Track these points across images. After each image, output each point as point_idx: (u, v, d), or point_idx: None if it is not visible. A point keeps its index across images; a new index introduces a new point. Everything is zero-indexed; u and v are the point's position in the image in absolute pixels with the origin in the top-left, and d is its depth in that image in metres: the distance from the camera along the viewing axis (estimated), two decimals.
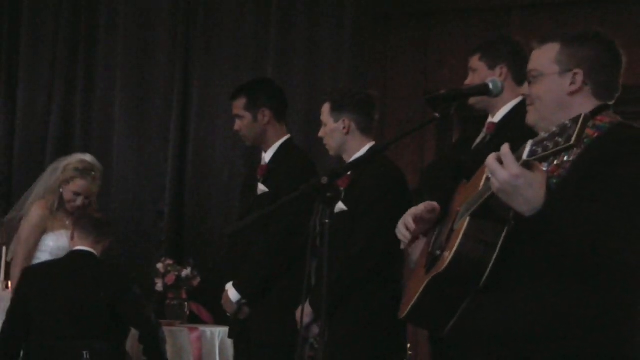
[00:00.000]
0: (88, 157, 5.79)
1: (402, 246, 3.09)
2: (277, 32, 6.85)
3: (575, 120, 2.33)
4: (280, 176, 4.75)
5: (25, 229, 5.62)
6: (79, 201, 5.65)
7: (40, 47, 7.60)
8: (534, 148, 2.41)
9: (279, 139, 4.91)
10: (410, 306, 2.92)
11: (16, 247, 5.66)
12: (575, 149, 2.39)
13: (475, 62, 4.03)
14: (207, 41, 7.13)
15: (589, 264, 2.60)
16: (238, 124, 4.96)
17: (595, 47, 2.84)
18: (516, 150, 2.50)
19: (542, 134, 2.41)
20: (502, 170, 2.45)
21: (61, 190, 5.65)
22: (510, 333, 2.67)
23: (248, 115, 4.91)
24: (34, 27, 7.62)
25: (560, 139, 2.33)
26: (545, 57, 2.83)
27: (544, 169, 2.58)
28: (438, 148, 6.79)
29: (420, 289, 2.87)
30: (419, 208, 3.02)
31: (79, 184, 5.65)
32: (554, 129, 2.37)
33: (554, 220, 2.49)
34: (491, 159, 2.49)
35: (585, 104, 2.76)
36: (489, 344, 2.73)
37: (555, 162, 2.60)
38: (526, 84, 2.88)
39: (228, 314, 4.83)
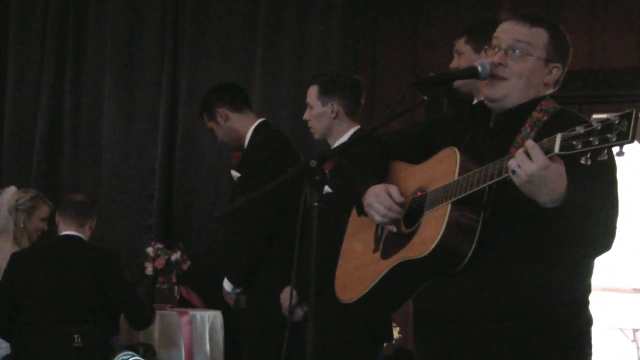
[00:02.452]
0: (16, 188, 5.87)
1: (380, 220, 2.98)
2: (266, 17, 6.84)
3: (625, 116, 2.31)
4: (249, 160, 4.83)
5: None
6: (45, 225, 5.82)
7: (29, 30, 7.58)
8: (571, 142, 2.38)
9: (248, 127, 5.02)
10: (365, 291, 2.91)
11: None
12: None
13: (462, 45, 4.02)
14: (196, 25, 7.12)
15: (575, 247, 2.68)
16: (217, 130, 5.14)
17: (568, 44, 2.94)
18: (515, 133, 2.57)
19: (577, 129, 2.38)
20: (529, 162, 2.45)
21: (22, 225, 5.69)
22: (479, 313, 2.75)
23: (213, 123, 5.12)
24: (23, 9, 7.60)
25: (610, 135, 2.31)
26: (536, 38, 2.87)
27: None
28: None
29: (381, 274, 2.85)
30: (391, 188, 2.97)
31: (45, 210, 5.81)
32: (595, 124, 2.35)
33: (573, 210, 2.53)
34: (520, 152, 2.48)
35: (547, 92, 2.90)
36: (460, 324, 2.79)
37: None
38: (484, 52, 2.95)
39: (231, 306, 4.88)
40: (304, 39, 6.76)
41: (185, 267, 6.37)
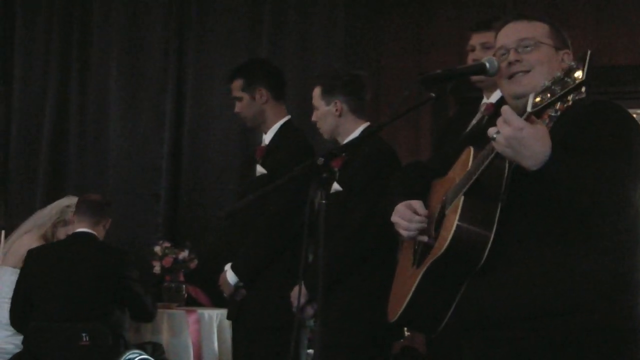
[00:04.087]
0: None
1: (407, 235, 2.99)
2: (271, 13, 6.85)
3: (580, 58, 2.34)
4: (278, 158, 4.74)
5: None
6: None
7: (35, 30, 7.58)
8: (538, 98, 2.40)
9: (278, 119, 4.90)
10: (403, 306, 2.89)
11: None
12: (583, 89, 2.38)
13: (475, 40, 4.01)
14: (201, 23, 7.13)
15: (594, 226, 2.62)
16: (238, 106, 4.94)
17: (565, 36, 2.94)
18: None
19: (544, 82, 2.40)
20: (505, 126, 2.45)
21: (54, 229, 5.72)
22: (514, 313, 2.65)
23: (246, 96, 4.90)
24: (28, 10, 7.61)
25: (568, 79, 2.33)
26: (539, 30, 2.88)
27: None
28: (433, 128, 6.79)
29: (415, 284, 2.84)
30: (414, 202, 2.98)
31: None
32: (557, 73, 2.37)
33: (561, 172, 2.50)
34: (498, 120, 2.48)
35: None
36: (492, 325, 2.71)
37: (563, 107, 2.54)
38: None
39: (225, 295, 4.84)
40: (308, 39, 6.77)
41: (192, 265, 6.37)
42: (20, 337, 5.40)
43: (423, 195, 3.05)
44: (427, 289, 2.83)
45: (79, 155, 7.37)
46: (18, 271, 5.51)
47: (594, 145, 2.60)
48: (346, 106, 4.43)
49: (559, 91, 2.35)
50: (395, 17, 7.18)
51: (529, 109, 2.43)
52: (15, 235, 5.83)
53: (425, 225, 2.93)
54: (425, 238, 2.92)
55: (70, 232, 5.63)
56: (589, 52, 2.33)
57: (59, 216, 5.72)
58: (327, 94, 4.46)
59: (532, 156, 2.47)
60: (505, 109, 2.46)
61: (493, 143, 2.50)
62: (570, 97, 2.36)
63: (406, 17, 7.16)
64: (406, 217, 2.93)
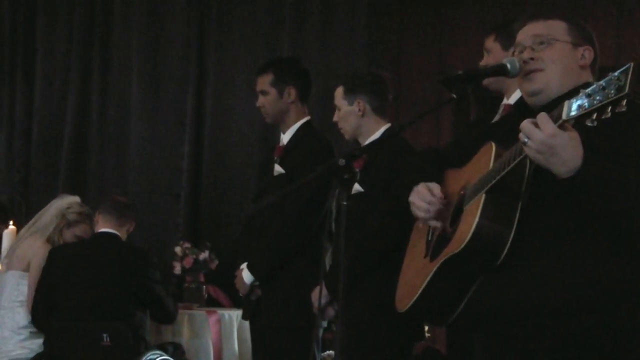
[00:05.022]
0: (79, 200, 5.87)
1: (424, 216, 2.96)
2: (292, 13, 6.85)
3: (624, 71, 2.30)
4: (297, 158, 4.72)
5: (35, 270, 5.57)
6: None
7: (56, 33, 7.62)
8: (577, 104, 2.37)
9: (299, 119, 4.88)
10: (415, 297, 2.89)
11: (29, 281, 5.63)
12: (624, 101, 2.32)
13: (490, 42, 4.00)
14: (222, 23, 7.14)
15: (618, 229, 2.60)
16: (261, 100, 4.90)
17: (589, 29, 2.90)
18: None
19: (584, 90, 2.36)
20: (537, 131, 2.43)
21: (60, 231, 5.73)
22: (531, 310, 2.64)
23: (273, 92, 4.85)
24: (50, 12, 7.64)
25: (610, 91, 2.30)
26: (555, 27, 2.86)
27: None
28: (454, 129, 6.78)
29: (429, 276, 2.83)
30: (432, 184, 2.96)
31: (85, 230, 5.76)
32: (601, 83, 2.33)
33: (591, 179, 2.48)
34: (526, 123, 2.47)
35: (589, 78, 2.83)
36: (504, 322, 2.70)
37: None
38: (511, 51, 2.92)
39: (240, 294, 4.84)
40: (329, 37, 6.76)
41: (213, 266, 6.38)
42: (35, 341, 5.42)
43: (438, 183, 3.03)
44: (440, 282, 2.82)
45: (100, 155, 7.40)
46: (25, 275, 5.52)
47: (625, 152, 2.58)
48: (369, 106, 4.42)
49: (597, 103, 2.31)
50: (417, 16, 7.17)
51: (564, 116, 2.40)
52: (18, 239, 5.80)
53: (443, 208, 2.91)
54: (438, 224, 2.90)
55: (78, 233, 5.66)
56: (632, 65, 2.29)
57: (60, 219, 5.71)
58: (350, 93, 4.44)
59: (563, 163, 2.46)
60: (540, 114, 2.45)
61: (524, 147, 2.49)
62: (609, 110, 2.32)
63: (428, 15, 7.16)
64: (425, 197, 2.91)
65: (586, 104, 2.34)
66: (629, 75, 2.28)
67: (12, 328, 5.49)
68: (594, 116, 2.34)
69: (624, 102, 2.29)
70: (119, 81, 7.40)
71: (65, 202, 5.77)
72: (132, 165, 7.23)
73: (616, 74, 2.31)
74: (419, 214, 2.94)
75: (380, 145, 4.22)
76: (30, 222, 5.83)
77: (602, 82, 2.33)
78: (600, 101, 2.31)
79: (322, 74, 6.61)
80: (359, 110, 4.41)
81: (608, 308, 2.61)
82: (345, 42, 6.71)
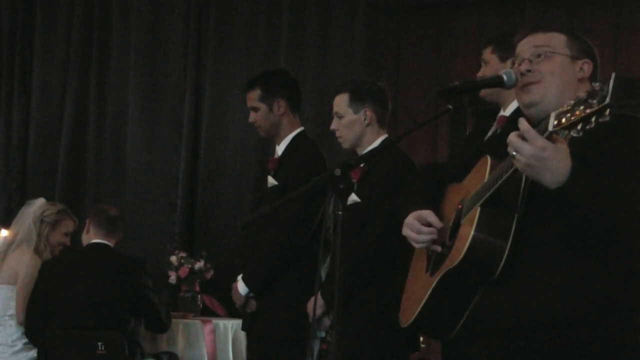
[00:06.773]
0: (44, 200, 5.89)
1: (419, 246, 3.01)
2: (290, 24, 6.86)
3: (605, 81, 2.31)
4: (289, 169, 4.72)
5: (27, 283, 5.54)
6: (68, 240, 5.79)
7: (54, 38, 7.62)
8: (563, 117, 2.37)
9: (292, 130, 4.87)
10: (417, 311, 2.90)
11: (18, 292, 5.59)
12: (607, 110, 2.33)
13: (488, 54, 4.01)
14: (219, 33, 7.14)
15: (611, 241, 2.61)
16: (253, 116, 4.90)
17: (589, 43, 2.91)
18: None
19: (568, 102, 2.38)
20: (526, 144, 2.44)
21: (45, 237, 5.72)
22: (528, 322, 2.65)
23: (263, 107, 4.85)
24: (48, 18, 7.65)
25: (593, 101, 2.31)
26: (554, 40, 2.87)
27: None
28: (451, 140, 6.78)
29: (429, 291, 2.84)
30: (424, 212, 2.98)
31: (69, 225, 5.79)
32: (581, 94, 2.34)
33: (579, 191, 2.49)
34: (513, 136, 2.47)
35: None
36: (503, 334, 2.70)
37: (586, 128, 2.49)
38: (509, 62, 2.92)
39: (236, 306, 4.84)
40: (327, 48, 6.76)
41: (208, 275, 6.37)
42: (29, 353, 5.42)
43: (437, 200, 3.05)
44: (440, 296, 2.84)
45: (97, 164, 7.39)
46: (13, 288, 5.50)
47: (614, 164, 2.60)
48: (375, 115, 4.41)
49: (581, 113, 2.32)
50: (415, 27, 7.18)
51: (550, 128, 2.40)
52: (4, 254, 5.74)
53: (436, 236, 2.93)
54: (438, 248, 2.92)
55: (65, 231, 5.70)
56: (613, 75, 2.31)
57: (40, 225, 5.69)
58: (357, 101, 4.41)
59: (552, 175, 2.47)
60: (526, 127, 2.45)
61: (513, 160, 2.49)
62: (593, 120, 2.33)
63: (426, 27, 7.16)
64: (415, 229, 2.94)
65: (570, 116, 2.35)
66: (611, 86, 2.29)
67: (6, 342, 5.48)
68: (579, 127, 2.35)
69: (607, 112, 2.30)
70: (116, 91, 7.40)
71: (37, 208, 5.75)
72: (129, 174, 7.23)
73: (598, 84, 2.33)
74: (414, 245, 2.99)
75: (377, 155, 4.22)
76: (9, 236, 5.80)
77: (584, 94, 2.35)
78: (584, 111, 2.32)
79: (319, 86, 6.62)
80: (365, 119, 4.40)
81: (602, 320, 2.62)
82: (343, 53, 6.71)
